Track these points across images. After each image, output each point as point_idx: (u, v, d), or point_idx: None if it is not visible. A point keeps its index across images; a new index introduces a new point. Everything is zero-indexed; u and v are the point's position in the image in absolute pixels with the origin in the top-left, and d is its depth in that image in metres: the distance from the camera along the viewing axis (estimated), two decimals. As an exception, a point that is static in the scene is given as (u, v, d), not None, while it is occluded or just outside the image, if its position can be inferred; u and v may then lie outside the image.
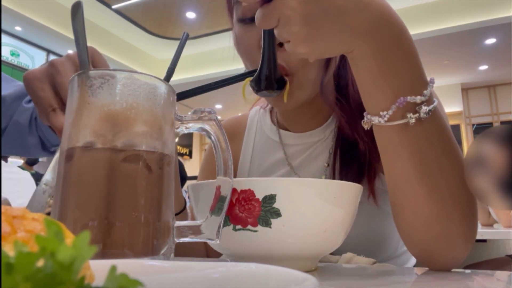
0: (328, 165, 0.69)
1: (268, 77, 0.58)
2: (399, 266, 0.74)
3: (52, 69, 0.50)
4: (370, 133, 0.64)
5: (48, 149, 0.69)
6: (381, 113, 0.43)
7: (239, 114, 0.92)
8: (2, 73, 0.72)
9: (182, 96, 0.58)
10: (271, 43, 0.55)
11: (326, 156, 0.70)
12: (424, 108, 0.43)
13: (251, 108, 0.89)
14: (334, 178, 0.68)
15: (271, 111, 0.82)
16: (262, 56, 0.56)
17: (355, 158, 0.65)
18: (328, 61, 0.64)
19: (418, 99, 0.43)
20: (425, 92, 0.43)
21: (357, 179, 0.64)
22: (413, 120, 0.42)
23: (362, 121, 0.47)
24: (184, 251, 0.71)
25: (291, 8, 0.40)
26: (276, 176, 0.74)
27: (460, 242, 0.47)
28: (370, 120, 0.45)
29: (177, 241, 0.40)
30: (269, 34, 0.54)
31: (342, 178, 0.65)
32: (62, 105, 0.50)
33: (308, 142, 0.73)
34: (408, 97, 0.42)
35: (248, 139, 0.82)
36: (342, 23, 0.40)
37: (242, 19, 0.65)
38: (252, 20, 0.63)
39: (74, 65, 0.51)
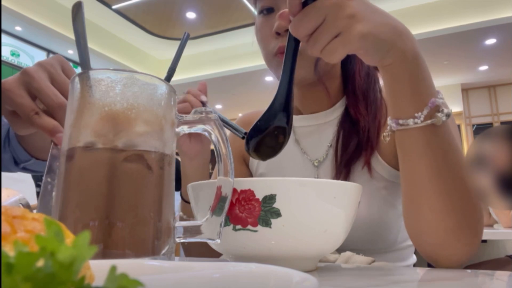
0: (330, 145, 0.76)
1: (278, 110, 0.51)
2: (398, 262, 0.75)
3: (26, 77, 0.51)
4: (371, 112, 0.73)
5: (18, 165, 0.70)
6: (415, 114, 0.49)
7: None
8: None
9: None
10: (292, 69, 0.51)
11: (330, 138, 0.77)
12: (446, 110, 0.49)
13: None
14: (336, 156, 0.73)
15: None
16: (280, 85, 0.51)
17: (355, 135, 0.72)
18: None
19: (441, 101, 0.49)
20: (441, 96, 0.50)
21: (356, 153, 0.71)
22: (444, 118, 0.49)
23: (383, 134, 0.54)
24: (198, 251, 0.77)
25: None
26: (285, 155, 0.78)
27: (471, 234, 0.51)
28: (404, 124, 0.50)
29: (178, 241, 0.40)
30: (292, 57, 0.51)
31: (342, 152, 0.72)
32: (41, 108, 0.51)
33: (315, 124, 0.79)
34: (436, 99, 0.49)
35: None
36: (386, 16, 0.48)
37: (261, 11, 0.73)
38: (268, 11, 0.73)
39: (46, 73, 0.53)
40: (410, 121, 0.50)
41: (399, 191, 0.72)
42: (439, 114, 0.49)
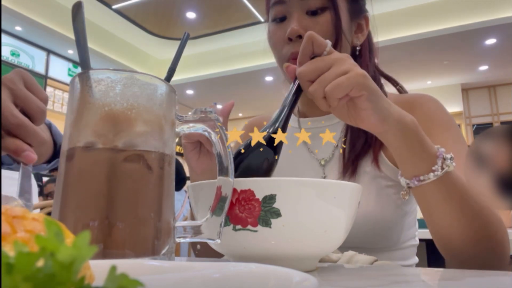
0: (337, 145, 0.80)
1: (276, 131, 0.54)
2: (401, 261, 0.75)
3: None
4: None
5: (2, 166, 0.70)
6: (433, 168, 0.54)
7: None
8: None
9: None
10: (294, 101, 0.57)
11: (336, 138, 0.81)
12: (449, 155, 0.55)
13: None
14: (343, 153, 0.77)
15: None
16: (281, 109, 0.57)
17: (362, 132, 0.76)
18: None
19: (443, 149, 0.55)
20: (438, 146, 0.56)
21: (364, 149, 0.75)
22: (454, 164, 0.54)
23: (402, 193, 0.59)
24: (206, 252, 0.78)
25: (346, 56, 0.53)
26: (293, 153, 0.84)
27: (501, 248, 0.57)
28: (426, 179, 0.55)
29: (178, 241, 0.40)
30: (295, 93, 0.57)
31: (350, 149, 0.76)
32: (5, 130, 0.49)
33: (321, 126, 0.84)
34: (440, 150, 0.55)
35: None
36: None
37: (274, 19, 0.79)
38: (281, 19, 0.78)
39: (6, 89, 0.51)
40: (431, 175, 0.54)
41: None
42: (448, 162, 0.54)
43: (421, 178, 0.55)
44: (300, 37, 0.74)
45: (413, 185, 0.56)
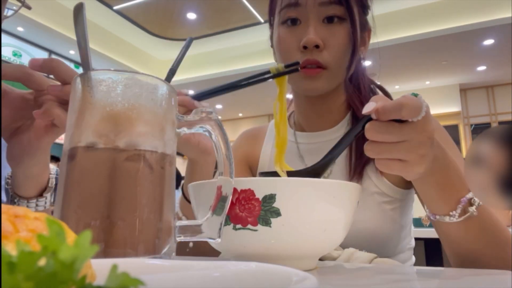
0: (335, 162, 0.76)
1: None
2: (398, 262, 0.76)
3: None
4: None
5: None
6: (450, 213, 0.52)
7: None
8: None
9: (205, 95, 0.62)
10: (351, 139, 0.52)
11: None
12: (477, 200, 0.52)
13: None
14: (350, 162, 0.75)
15: (288, 118, 0.91)
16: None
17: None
18: (350, 64, 0.75)
19: (471, 194, 0.52)
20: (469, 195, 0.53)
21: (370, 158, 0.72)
22: (475, 212, 0.52)
23: (423, 218, 0.60)
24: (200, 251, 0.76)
25: (427, 141, 0.47)
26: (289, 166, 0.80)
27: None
28: (441, 219, 0.54)
29: (178, 240, 0.40)
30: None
31: (356, 159, 0.74)
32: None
33: (319, 141, 0.81)
34: (466, 196, 0.52)
35: (268, 141, 0.90)
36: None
37: (285, 21, 0.74)
38: (293, 22, 0.73)
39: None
40: (446, 218, 0.53)
41: (399, 207, 0.75)
42: (471, 209, 0.52)
43: (437, 217, 0.54)
44: (316, 47, 0.70)
45: (433, 218, 0.55)
